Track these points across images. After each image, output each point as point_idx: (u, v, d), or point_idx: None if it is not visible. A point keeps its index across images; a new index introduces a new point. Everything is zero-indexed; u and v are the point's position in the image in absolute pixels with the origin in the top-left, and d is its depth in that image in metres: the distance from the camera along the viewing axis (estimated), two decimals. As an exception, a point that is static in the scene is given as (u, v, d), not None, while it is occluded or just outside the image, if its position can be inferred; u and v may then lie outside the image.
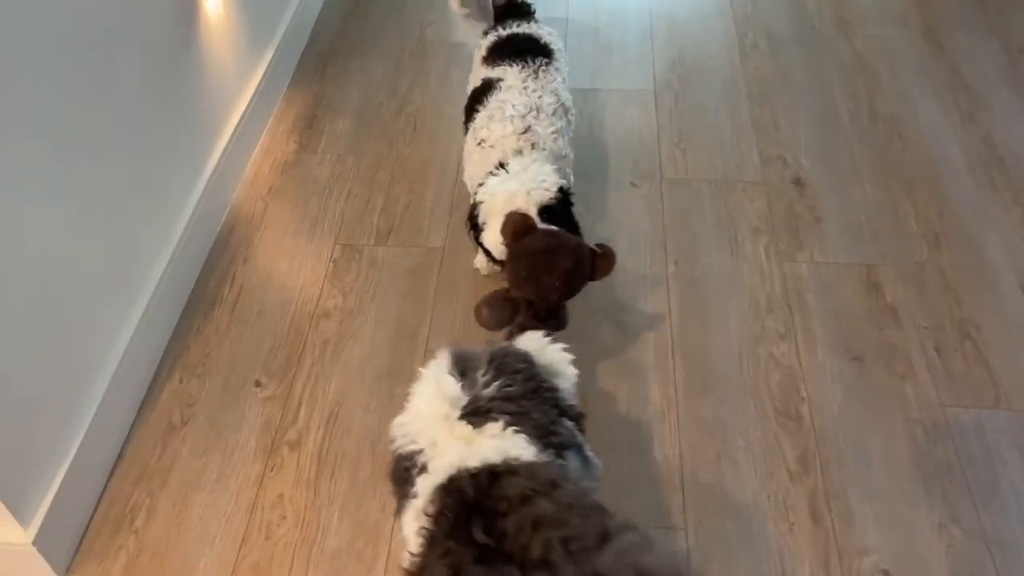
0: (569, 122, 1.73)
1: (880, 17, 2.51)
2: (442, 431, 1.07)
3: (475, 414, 1.08)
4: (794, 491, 1.46)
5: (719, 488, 1.47)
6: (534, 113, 1.60)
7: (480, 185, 1.57)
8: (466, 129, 1.72)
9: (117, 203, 1.54)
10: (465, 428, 1.06)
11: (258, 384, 1.64)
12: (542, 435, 1.09)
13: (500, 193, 1.51)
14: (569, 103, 1.75)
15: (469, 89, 1.80)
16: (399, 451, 1.12)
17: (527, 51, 1.73)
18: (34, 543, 1.31)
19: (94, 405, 1.46)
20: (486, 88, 1.68)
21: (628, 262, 1.83)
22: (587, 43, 2.45)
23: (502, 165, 1.54)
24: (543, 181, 1.51)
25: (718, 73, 2.35)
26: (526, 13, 1.89)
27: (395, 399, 1.61)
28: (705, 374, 1.64)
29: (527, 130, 1.57)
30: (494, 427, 1.06)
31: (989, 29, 2.44)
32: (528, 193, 1.49)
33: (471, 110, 1.70)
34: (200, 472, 1.51)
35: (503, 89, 1.65)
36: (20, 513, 1.29)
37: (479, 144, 1.60)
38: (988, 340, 1.69)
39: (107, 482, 1.50)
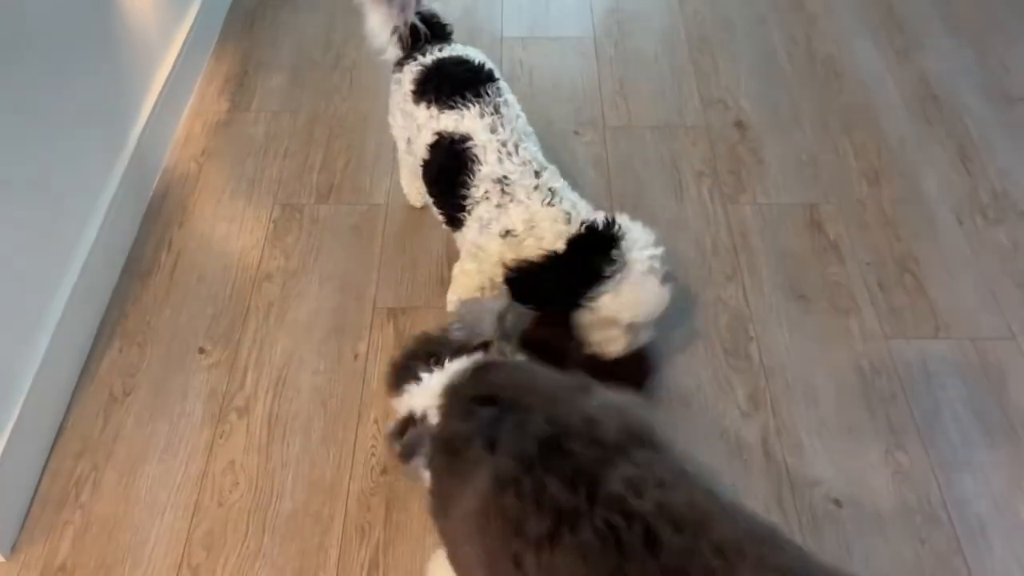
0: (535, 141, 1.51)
1: (815, -42, 2.52)
2: None
3: None
4: (746, 428, 1.49)
5: (672, 429, 1.48)
6: (534, 167, 1.40)
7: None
8: (449, 218, 1.47)
9: (38, 170, 1.46)
10: None
11: (202, 351, 1.60)
12: None
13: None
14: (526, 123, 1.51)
15: (415, 139, 1.50)
16: None
17: (467, 81, 1.45)
18: (-26, 524, 1.26)
19: (28, 379, 1.40)
20: (451, 155, 1.41)
21: (574, 211, 1.81)
22: (524, -9, 2.41)
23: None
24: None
25: (657, 19, 2.33)
26: (444, 36, 1.57)
27: (344, 359, 1.58)
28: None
29: (553, 194, 1.38)
30: None
31: (921, -33, 2.46)
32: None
33: (444, 185, 1.44)
34: (146, 443, 1.47)
35: (481, 160, 1.39)
36: (-44, 494, 1.24)
37: (505, 236, 1.38)
38: (927, 273, 1.72)
39: (48, 457, 1.45)
